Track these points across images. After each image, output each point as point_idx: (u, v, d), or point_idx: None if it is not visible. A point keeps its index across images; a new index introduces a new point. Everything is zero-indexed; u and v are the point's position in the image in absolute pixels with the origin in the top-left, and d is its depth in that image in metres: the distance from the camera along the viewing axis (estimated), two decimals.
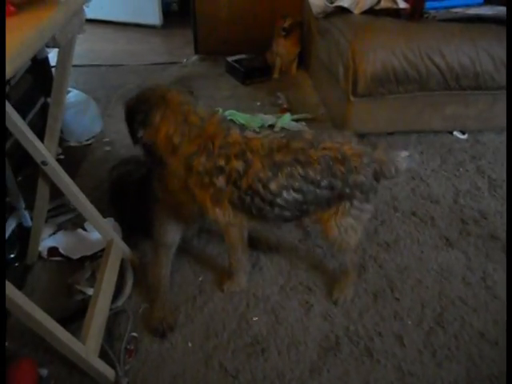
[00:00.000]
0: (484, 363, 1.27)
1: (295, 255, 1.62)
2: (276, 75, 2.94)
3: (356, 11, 2.24)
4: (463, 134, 2.28)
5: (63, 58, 1.18)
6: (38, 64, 2.09)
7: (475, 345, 1.32)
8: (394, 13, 2.18)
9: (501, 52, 2.00)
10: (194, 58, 3.25)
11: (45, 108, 2.08)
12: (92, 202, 1.40)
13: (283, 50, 2.88)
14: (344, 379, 1.24)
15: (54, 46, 0.95)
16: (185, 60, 3.23)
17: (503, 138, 2.25)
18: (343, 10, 2.28)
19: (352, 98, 2.08)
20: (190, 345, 1.32)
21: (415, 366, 1.27)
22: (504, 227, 1.73)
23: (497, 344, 1.32)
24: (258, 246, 1.63)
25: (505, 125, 2.24)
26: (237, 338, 1.34)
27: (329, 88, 2.42)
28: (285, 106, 2.54)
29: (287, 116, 2.37)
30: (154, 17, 3.78)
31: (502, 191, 1.90)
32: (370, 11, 2.23)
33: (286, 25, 2.79)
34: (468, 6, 2.15)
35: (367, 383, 1.23)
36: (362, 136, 2.22)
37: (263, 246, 1.63)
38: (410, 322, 1.39)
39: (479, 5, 2.18)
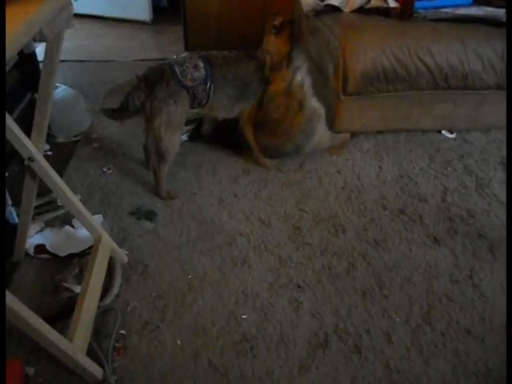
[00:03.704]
0: (470, 360, 1.29)
1: (285, 253, 1.62)
2: (266, 73, 2.93)
3: (346, 10, 2.25)
4: (451, 133, 2.31)
5: (51, 52, 1.16)
6: (25, 58, 2.06)
7: (462, 342, 1.34)
8: (384, 12, 2.18)
9: (489, 52, 2.02)
10: (185, 54, 3.23)
11: (32, 103, 2.06)
12: (80, 198, 1.39)
13: (273, 47, 2.85)
14: (332, 376, 1.24)
15: (41, 40, 0.93)
16: (175, 56, 3.19)
17: (490, 137, 2.28)
18: (333, 9, 2.28)
19: (342, 97, 2.08)
20: (178, 342, 1.31)
21: (403, 362, 1.28)
22: (491, 226, 1.75)
23: (483, 341, 1.34)
24: None
25: (492, 124, 2.29)
26: (226, 336, 1.34)
27: (319, 86, 2.42)
28: None
29: None
30: (143, 12, 3.74)
31: (489, 190, 1.93)
32: (361, 10, 2.23)
33: (276, 22, 2.77)
34: (457, 6, 2.17)
35: (355, 380, 1.24)
36: (351, 135, 2.24)
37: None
38: (397, 320, 1.40)
39: (468, 5, 2.19)
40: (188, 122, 2.09)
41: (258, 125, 2.00)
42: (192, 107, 1.83)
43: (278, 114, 1.95)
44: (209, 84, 1.79)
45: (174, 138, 1.80)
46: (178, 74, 1.73)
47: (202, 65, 1.78)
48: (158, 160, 1.81)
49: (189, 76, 1.74)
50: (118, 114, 1.80)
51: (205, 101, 1.82)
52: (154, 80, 1.71)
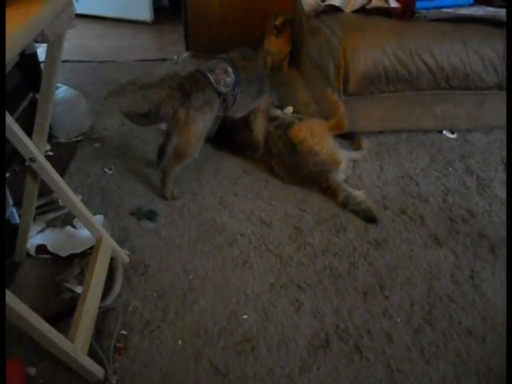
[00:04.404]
0: (471, 360, 1.29)
1: (286, 253, 1.62)
2: (267, 73, 2.93)
3: (347, 10, 2.25)
4: (452, 133, 2.31)
5: (52, 53, 1.16)
6: (27, 59, 2.06)
7: (463, 342, 1.34)
8: (385, 12, 2.18)
9: (490, 53, 2.02)
10: (185, 54, 3.23)
11: (33, 104, 2.06)
12: (81, 199, 1.39)
13: (274, 47, 2.85)
14: (333, 376, 1.24)
15: (42, 41, 0.94)
16: (176, 57, 3.21)
17: (491, 137, 2.28)
18: (335, 9, 2.28)
19: (343, 97, 2.08)
20: (179, 342, 1.32)
21: (404, 363, 1.28)
22: (492, 226, 1.75)
23: (484, 341, 1.34)
24: None
25: (493, 124, 2.29)
26: (227, 336, 1.34)
27: (320, 86, 2.42)
28: (275, 103, 2.54)
29: (289, 108, 2.47)
30: (144, 13, 3.74)
31: (490, 190, 1.93)
32: (362, 10, 2.23)
33: (277, 23, 2.77)
34: (458, 6, 2.17)
35: (356, 380, 1.24)
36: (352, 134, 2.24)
37: None
38: (398, 320, 1.40)
39: (469, 5, 2.19)
40: None
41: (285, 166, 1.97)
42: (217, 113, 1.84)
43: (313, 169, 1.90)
44: (237, 88, 1.80)
45: (200, 143, 1.81)
46: (212, 80, 1.74)
47: (230, 70, 1.80)
48: (176, 161, 1.80)
49: (222, 82, 1.76)
50: (144, 119, 1.78)
51: (230, 104, 1.84)
52: (190, 88, 1.71)
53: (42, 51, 1.91)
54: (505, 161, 2.10)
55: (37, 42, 0.92)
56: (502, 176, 2.01)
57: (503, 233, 1.71)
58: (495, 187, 1.94)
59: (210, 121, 1.79)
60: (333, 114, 1.93)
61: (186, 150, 1.78)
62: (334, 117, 1.93)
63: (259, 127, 2.03)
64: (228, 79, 1.78)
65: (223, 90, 1.76)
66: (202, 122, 1.74)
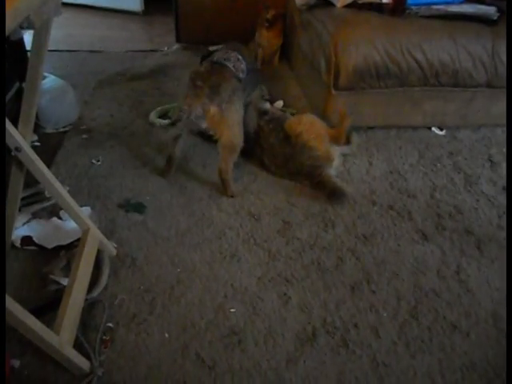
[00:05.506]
0: (456, 354, 1.30)
1: (274, 247, 1.62)
2: (258, 66, 2.93)
3: (339, 4, 2.24)
4: (441, 130, 2.32)
5: (39, 40, 1.14)
6: (13, 46, 2.02)
7: (448, 337, 1.35)
8: (377, 7, 2.18)
9: (479, 50, 2.03)
10: (176, 46, 3.21)
11: (20, 93, 2.02)
12: (68, 190, 1.38)
13: (266, 41, 2.86)
14: (320, 369, 1.25)
15: (28, 27, 0.92)
16: (166, 48, 3.18)
17: (479, 135, 2.30)
18: (326, 3, 2.27)
19: (333, 92, 2.08)
20: (166, 335, 1.31)
21: (390, 356, 1.29)
22: (478, 222, 1.76)
23: (468, 336, 1.35)
24: None
25: (481, 122, 2.31)
26: (214, 329, 1.34)
27: (310, 80, 2.42)
28: (266, 97, 2.53)
29: (280, 102, 2.48)
30: (134, 2, 3.70)
31: (477, 187, 1.94)
32: (353, 5, 2.23)
33: (268, 16, 2.77)
34: (449, 3, 2.18)
35: (342, 374, 1.25)
36: None
37: None
38: (385, 314, 1.41)
39: (460, 2, 2.20)
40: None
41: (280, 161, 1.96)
42: None
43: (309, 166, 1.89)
44: (246, 76, 1.84)
45: (241, 129, 1.80)
46: (233, 69, 1.76)
47: (240, 57, 1.82)
48: (229, 156, 1.79)
49: (240, 69, 1.78)
50: (173, 129, 1.79)
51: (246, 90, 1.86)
52: (217, 81, 1.69)
53: (29, 39, 1.88)
54: (492, 158, 2.12)
55: (22, 27, 0.90)
56: (488, 173, 2.03)
57: (489, 229, 1.73)
58: (482, 184, 1.96)
59: (242, 108, 1.78)
60: (338, 125, 1.93)
61: (234, 141, 1.77)
62: (338, 128, 1.94)
63: (250, 121, 2.03)
64: (242, 66, 1.80)
65: (242, 76, 1.79)
66: (235, 111, 1.73)
